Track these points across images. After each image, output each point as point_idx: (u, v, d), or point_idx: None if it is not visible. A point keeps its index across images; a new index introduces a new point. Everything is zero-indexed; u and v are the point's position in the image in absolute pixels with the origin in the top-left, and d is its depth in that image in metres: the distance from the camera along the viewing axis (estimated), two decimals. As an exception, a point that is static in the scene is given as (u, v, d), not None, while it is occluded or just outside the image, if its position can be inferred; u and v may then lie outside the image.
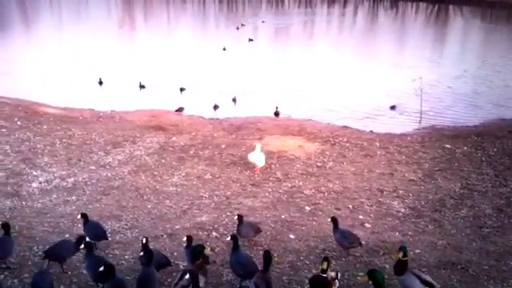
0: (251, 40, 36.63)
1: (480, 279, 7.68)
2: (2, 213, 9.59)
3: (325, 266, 6.35)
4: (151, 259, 6.57)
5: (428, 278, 6.78)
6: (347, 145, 14.93)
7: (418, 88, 19.32)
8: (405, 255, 6.69)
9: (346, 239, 8.22)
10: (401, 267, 6.71)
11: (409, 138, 15.77)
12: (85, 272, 7.20)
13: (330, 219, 8.44)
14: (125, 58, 29.50)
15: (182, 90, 21.86)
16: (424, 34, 45.02)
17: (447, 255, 8.51)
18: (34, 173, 11.90)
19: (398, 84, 23.57)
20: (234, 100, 20.45)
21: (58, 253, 7.34)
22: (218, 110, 19.50)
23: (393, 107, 20.09)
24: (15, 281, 7.15)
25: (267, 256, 6.60)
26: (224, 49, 32.58)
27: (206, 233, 9.09)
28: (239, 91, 21.37)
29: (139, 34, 42.98)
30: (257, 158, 12.48)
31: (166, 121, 17.19)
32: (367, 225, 9.85)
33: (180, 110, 19.06)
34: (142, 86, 22.69)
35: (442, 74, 26.18)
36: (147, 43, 35.90)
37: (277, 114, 18.70)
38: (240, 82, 23.52)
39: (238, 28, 43.82)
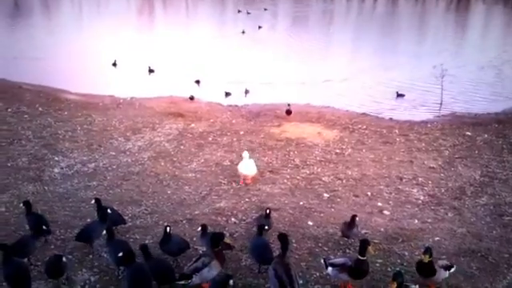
0: (260, 27, 37.57)
1: (500, 267, 7.62)
2: (25, 197, 9.74)
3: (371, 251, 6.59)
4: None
5: (445, 262, 6.81)
6: (366, 132, 14.85)
7: (439, 75, 19.05)
8: (430, 256, 6.50)
9: (360, 230, 8.19)
10: (430, 269, 6.54)
11: (429, 126, 15.63)
12: (106, 256, 7.33)
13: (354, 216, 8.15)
14: (140, 44, 29.86)
15: (197, 82, 21.77)
16: (445, 20, 44.31)
17: (467, 243, 8.45)
18: (56, 158, 12.07)
19: (417, 71, 23.28)
20: (246, 91, 20.25)
21: (87, 234, 7.58)
22: (229, 97, 19.52)
23: (400, 95, 19.80)
24: (38, 263, 7.29)
25: (284, 239, 6.55)
26: (243, 32, 34.42)
27: (224, 218, 9.15)
28: (252, 80, 21.40)
29: (157, 21, 43.11)
30: (246, 167, 11.02)
31: (185, 107, 17.28)
32: (386, 212, 9.82)
33: (191, 98, 19.00)
34: (151, 71, 23.18)
35: (463, 62, 25.78)
36: (163, 29, 36.20)
37: (288, 112, 16.06)
38: (253, 70, 23.57)
39: (248, 13, 45.53)
